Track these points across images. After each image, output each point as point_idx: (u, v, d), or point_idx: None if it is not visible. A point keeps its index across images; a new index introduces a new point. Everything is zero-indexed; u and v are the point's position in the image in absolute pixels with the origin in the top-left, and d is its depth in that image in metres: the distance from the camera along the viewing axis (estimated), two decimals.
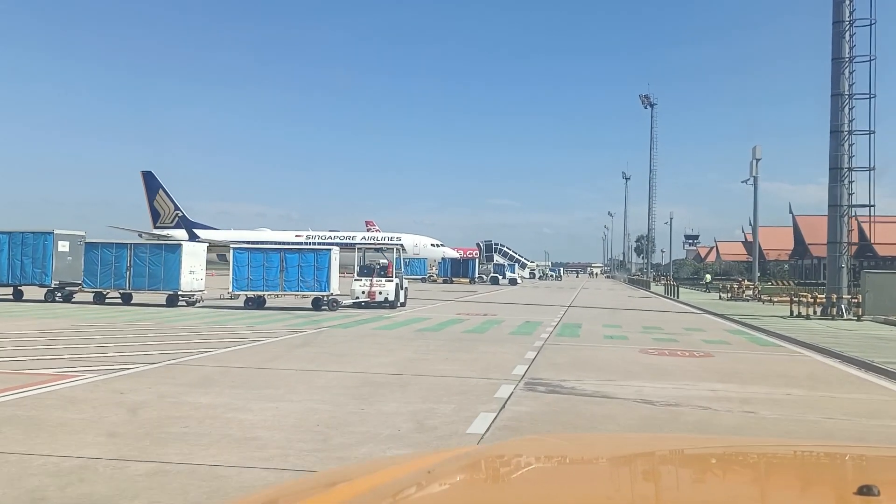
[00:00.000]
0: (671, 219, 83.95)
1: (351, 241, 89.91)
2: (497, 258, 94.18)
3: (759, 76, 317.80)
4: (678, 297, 41.37)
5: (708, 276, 62.72)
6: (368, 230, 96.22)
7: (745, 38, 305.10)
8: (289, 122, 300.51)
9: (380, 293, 24.91)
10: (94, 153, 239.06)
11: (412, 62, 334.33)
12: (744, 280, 41.60)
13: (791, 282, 53.97)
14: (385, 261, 26.55)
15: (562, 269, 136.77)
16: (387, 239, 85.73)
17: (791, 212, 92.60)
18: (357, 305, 25.15)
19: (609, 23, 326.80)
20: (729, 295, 40.17)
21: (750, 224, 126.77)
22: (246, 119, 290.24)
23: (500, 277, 66.28)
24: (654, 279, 77.61)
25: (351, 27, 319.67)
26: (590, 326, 20.14)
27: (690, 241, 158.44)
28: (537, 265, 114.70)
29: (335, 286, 23.68)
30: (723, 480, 1.91)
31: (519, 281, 68.56)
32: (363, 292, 25.04)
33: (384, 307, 24.93)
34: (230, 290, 23.41)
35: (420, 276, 68.21)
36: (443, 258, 69.81)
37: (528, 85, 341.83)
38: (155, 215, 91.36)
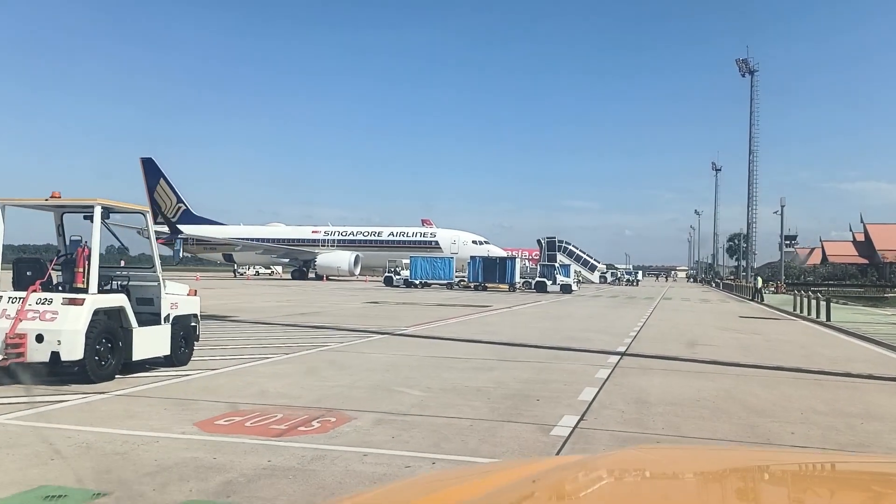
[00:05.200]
0: (782, 207, 63.98)
1: (376, 238, 74.77)
2: (562, 258, 76.75)
3: (860, 72, 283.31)
4: (828, 320, 23.49)
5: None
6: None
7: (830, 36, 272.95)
8: (372, 132, 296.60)
9: (40, 340, 8.44)
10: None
11: (488, 67, 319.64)
12: None
13: None
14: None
15: (640, 272, 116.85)
16: (419, 235, 69.62)
17: None
18: None
19: (698, 15, 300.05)
20: None
21: (862, 221, 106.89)
22: (339, 127, 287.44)
23: (549, 283, 48.76)
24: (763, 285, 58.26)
25: (428, 31, 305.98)
26: None
27: (788, 242, 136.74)
28: (607, 267, 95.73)
29: None
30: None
31: (575, 288, 50.83)
32: None
33: (78, 379, 8.58)
34: None
35: (445, 281, 51.67)
36: (472, 258, 52.75)
37: (606, 86, 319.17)
38: (155, 208, 77.90)
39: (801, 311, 29.10)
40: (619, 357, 12.99)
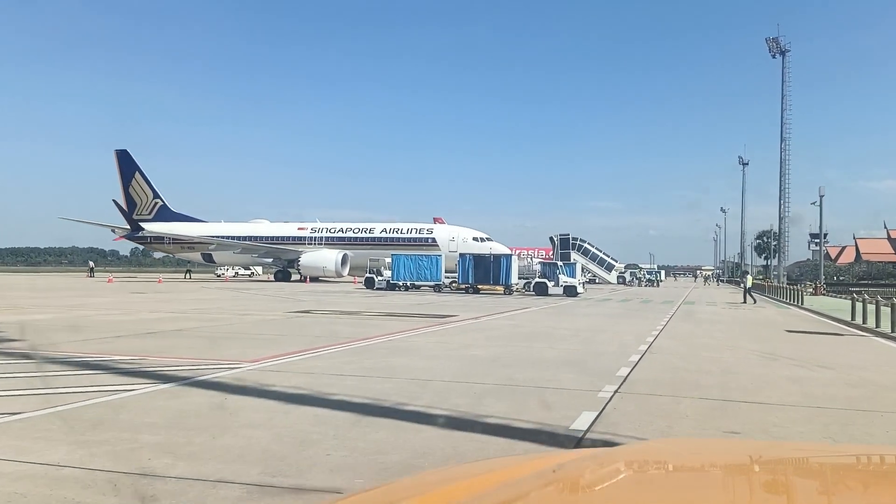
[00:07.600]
0: (821, 197, 55.69)
1: (368, 235, 67.54)
2: (576, 257, 69.57)
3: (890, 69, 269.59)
4: None
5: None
6: None
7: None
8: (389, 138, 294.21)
9: None
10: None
11: (507, 67, 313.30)
12: None
13: None
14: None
15: (663, 272, 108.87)
16: (414, 231, 62.43)
17: None
18: None
19: (721, 14, 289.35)
20: None
21: None
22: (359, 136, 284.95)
23: (550, 284, 41.47)
24: (803, 286, 50.46)
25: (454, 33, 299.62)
26: None
27: (818, 240, 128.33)
28: (627, 267, 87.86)
29: None
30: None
31: (581, 290, 43.33)
32: None
33: None
34: None
35: (433, 282, 44.64)
36: (461, 256, 45.61)
37: (628, 86, 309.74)
38: (130, 204, 71.63)
39: (864, 320, 21.86)
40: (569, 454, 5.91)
